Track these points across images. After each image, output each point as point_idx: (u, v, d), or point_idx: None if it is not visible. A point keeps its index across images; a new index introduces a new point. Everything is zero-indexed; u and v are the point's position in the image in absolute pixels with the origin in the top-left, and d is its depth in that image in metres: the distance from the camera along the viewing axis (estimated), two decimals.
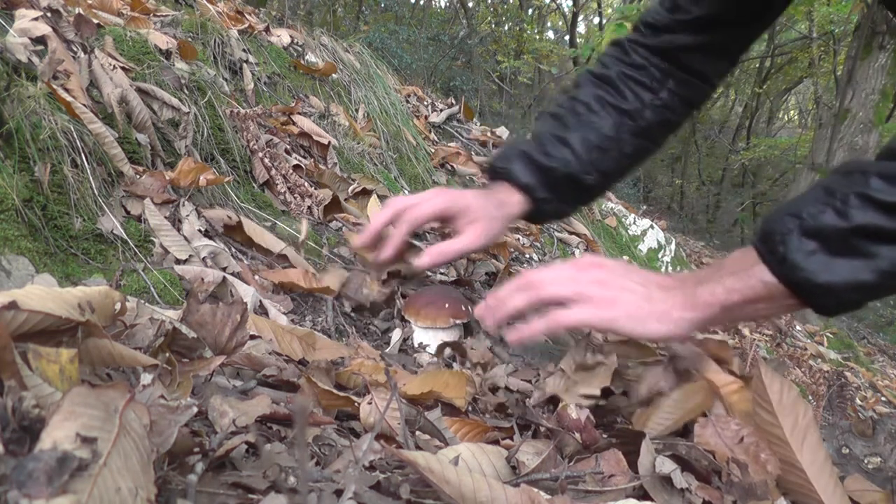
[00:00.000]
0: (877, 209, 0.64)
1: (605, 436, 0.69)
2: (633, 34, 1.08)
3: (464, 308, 0.98)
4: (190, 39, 1.44)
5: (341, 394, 0.65)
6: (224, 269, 0.96)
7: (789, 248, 0.68)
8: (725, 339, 0.94)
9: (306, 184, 1.39)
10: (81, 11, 1.15)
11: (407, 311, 0.98)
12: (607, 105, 1.04)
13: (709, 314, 0.75)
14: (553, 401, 0.81)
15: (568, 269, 0.81)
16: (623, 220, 2.82)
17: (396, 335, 0.99)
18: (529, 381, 0.89)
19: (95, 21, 1.20)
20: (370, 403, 0.66)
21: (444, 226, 1.02)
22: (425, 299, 0.99)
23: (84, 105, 0.96)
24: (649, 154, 1.10)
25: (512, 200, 1.02)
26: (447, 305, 0.97)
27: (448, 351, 0.93)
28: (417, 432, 0.66)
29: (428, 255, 0.94)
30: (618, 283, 0.78)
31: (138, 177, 1.01)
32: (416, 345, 0.98)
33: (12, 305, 0.42)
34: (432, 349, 0.95)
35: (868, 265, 0.66)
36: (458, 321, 0.97)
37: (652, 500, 0.58)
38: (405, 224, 0.95)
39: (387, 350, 0.96)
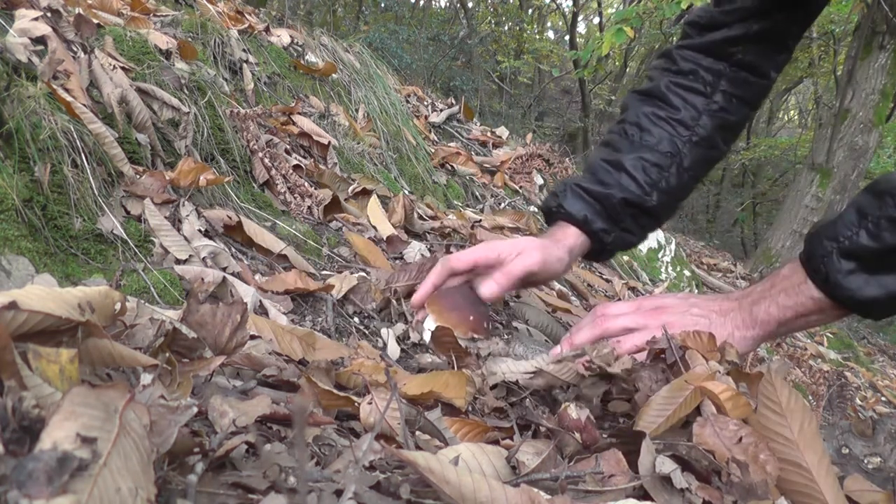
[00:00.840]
0: None
1: (605, 436, 0.69)
2: (680, 40, 1.04)
3: (486, 326, 0.94)
4: (190, 39, 1.44)
5: (341, 394, 0.65)
6: (224, 269, 0.96)
7: (830, 268, 0.74)
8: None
9: (306, 184, 1.39)
10: (81, 11, 1.15)
11: (430, 306, 0.94)
12: (659, 119, 0.98)
13: (767, 331, 0.82)
14: (553, 401, 0.81)
15: (632, 304, 0.88)
16: None
17: (390, 335, 0.97)
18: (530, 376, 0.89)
19: (95, 21, 1.20)
20: (370, 403, 0.66)
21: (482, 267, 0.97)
22: (451, 302, 0.93)
23: (84, 105, 0.96)
24: (714, 162, 1.04)
25: (568, 238, 0.97)
26: (471, 318, 0.92)
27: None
28: (417, 432, 0.66)
29: (495, 283, 0.92)
30: (679, 311, 0.84)
31: (138, 177, 1.01)
32: (421, 337, 0.96)
33: (12, 305, 0.42)
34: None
35: None
36: (476, 336, 0.93)
37: (652, 500, 0.58)
38: (442, 268, 0.93)
39: (386, 351, 0.96)
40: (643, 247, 2.79)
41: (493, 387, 0.85)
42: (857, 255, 0.73)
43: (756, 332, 0.83)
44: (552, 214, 1.00)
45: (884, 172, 0.80)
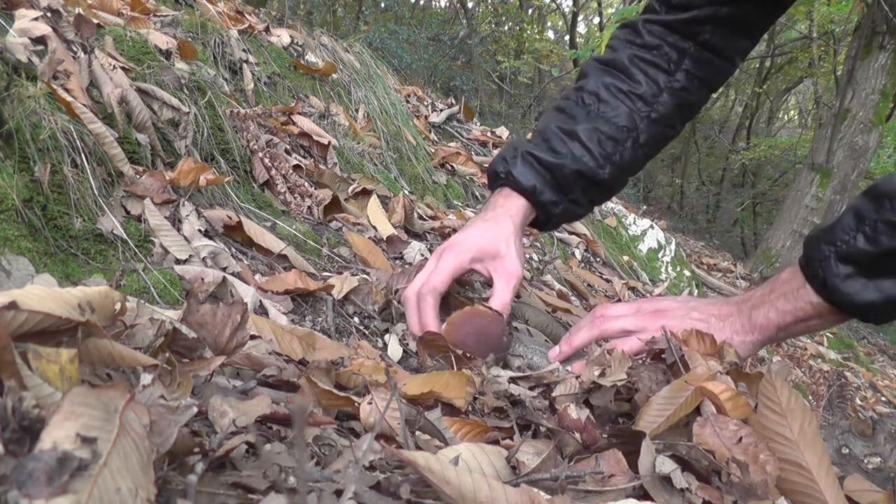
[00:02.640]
0: None
1: (605, 436, 0.69)
2: (646, 13, 0.99)
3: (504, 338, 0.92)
4: (190, 39, 1.44)
5: (341, 394, 0.65)
6: (224, 269, 0.96)
7: (828, 273, 0.74)
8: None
9: (306, 184, 1.39)
10: (81, 11, 1.15)
11: (448, 333, 0.88)
12: (619, 92, 0.95)
13: (766, 335, 0.82)
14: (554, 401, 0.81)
15: (631, 305, 0.88)
16: (623, 220, 2.82)
17: (392, 339, 0.98)
18: (532, 388, 0.89)
19: (95, 21, 1.20)
20: (370, 403, 0.66)
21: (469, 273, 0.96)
22: (468, 333, 0.88)
23: (84, 105, 0.96)
24: (667, 141, 1.02)
25: (515, 209, 0.93)
26: (498, 340, 0.89)
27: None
28: (417, 432, 0.66)
29: (507, 293, 0.93)
30: (678, 314, 0.84)
31: (138, 177, 1.01)
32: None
33: (12, 305, 0.42)
34: None
35: None
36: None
37: (652, 500, 0.58)
38: (427, 300, 0.89)
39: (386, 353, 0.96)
40: (643, 247, 2.79)
41: (498, 396, 0.85)
42: (854, 259, 0.72)
43: (755, 337, 0.82)
44: (497, 179, 0.95)
45: (884, 173, 0.80)
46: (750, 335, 0.82)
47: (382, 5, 9.42)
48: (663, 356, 0.81)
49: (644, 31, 0.97)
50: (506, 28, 9.50)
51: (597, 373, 0.81)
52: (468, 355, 0.86)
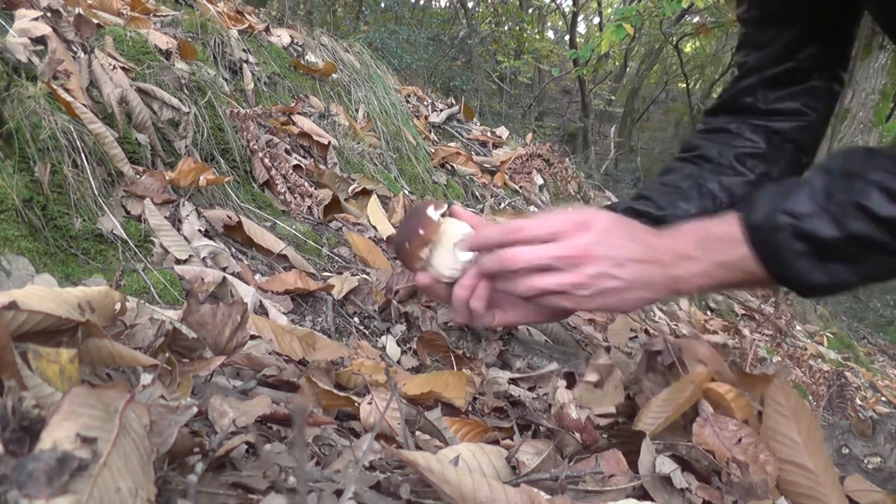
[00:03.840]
0: (873, 221, 0.64)
1: (604, 436, 0.69)
2: (699, 127, 1.09)
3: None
4: (190, 39, 1.44)
5: (341, 394, 0.65)
6: (224, 269, 0.96)
7: (780, 247, 0.68)
8: (725, 342, 0.95)
9: (306, 184, 1.39)
10: (81, 11, 1.15)
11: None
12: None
13: (682, 292, 0.76)
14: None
15: (556, 227, 0.76)
16: None
17: (389, 340, 0.97)
18: (532, 388, 0.89)
19: (95, 21, 1.20)
20: (370, 403, 0.66)
21: None
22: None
23: (84, 105, 0.96)
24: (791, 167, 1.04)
25: None
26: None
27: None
28: (417, 432, 0.66)
29: None
30: (602, 265, 0.74)
31: (138, 177, 1.01)
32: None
33: (12, 305, 0.42)
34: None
35: (855, 270, 0.68)
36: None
37: (652, 500, 0.58)
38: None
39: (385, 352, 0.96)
40: None
41: (498, 396, 0.85)
42: (813, 239, 0.67)
43: (668, 294, 0.76)
44: None
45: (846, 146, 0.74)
46: (664, 293, 0.76)
47: (382, 5, 9.42)
48: (660, 357, 0.81)
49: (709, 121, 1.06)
50: (506, 28, 9.50)
51: (594, 379, 0.81)
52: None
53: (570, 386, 0.83)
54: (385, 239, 1.39)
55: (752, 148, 1.00)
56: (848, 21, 0.98)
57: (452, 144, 2.43)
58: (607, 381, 0.80)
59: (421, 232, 0.81)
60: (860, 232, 0.65)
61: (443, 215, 0.83)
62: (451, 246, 0.82)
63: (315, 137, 1.57)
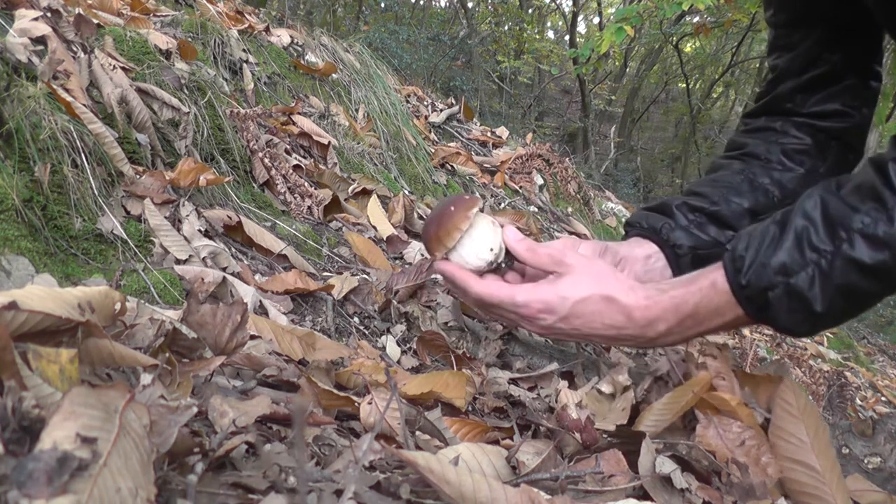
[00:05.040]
0: (859, 272, 0.65)
1: (604, 436, 0.69)
2: (740, 130, 1.10)
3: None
4: (190, 39, 1.44)
5: (341, 394, 0.65)
6: (224, 269, 0.96)
7: (773, 305, 0.69)
8: (725, 342, 0.95)
9: (306, 184, 1.39)
10: (81, 11, 1.15)
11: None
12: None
13: (651, 348, 0.79)
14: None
15: (520, 304, 0.77)
16: (623, 219, 2.82)
17: (389, 340, 0.97)
18: (532, 388, 0.89)
19: (95, 21, 1.20)
20: (370, 403, 0.66)
21: None
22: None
23: (84, 105, 0.96)
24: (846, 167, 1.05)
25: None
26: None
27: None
28: (417, 432, 0.66)
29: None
30: (552, 332, 0.77)
31: (138, 177, 1.01)
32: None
33: (12, 305, 0.42)
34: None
35: (841, 318, 0.71)
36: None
37: (652, 500, 0.58)
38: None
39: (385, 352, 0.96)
40: None
41: (498, 396, 0.85)
42: (803, 299, 0.68)
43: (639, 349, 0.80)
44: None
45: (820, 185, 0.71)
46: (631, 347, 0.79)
47: (382, 5, 9.42)
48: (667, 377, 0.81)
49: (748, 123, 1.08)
50: (506, 28, 9.50)
51: (607, 390, 0.81)
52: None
53: (570, 386, 0.83)
54: (385, 239, 1.39)
55: (798, 144, 1.02)
56: (872, 16, 0.98)
57: (452, 144, 2.43)
58: (619, 398, 0.80)
59: (453, 220, 0.80)
60: (848, 282, 0.66)
61: (480, 210, 0.84)
62: (480, 238, 0.82)
63: (315, 137, 1.57)
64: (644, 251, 0.91)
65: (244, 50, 1.63)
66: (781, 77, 1.02)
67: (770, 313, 0.70)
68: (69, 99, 0.93)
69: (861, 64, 1.00)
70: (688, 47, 11.86)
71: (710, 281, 0.73)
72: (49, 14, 1.07)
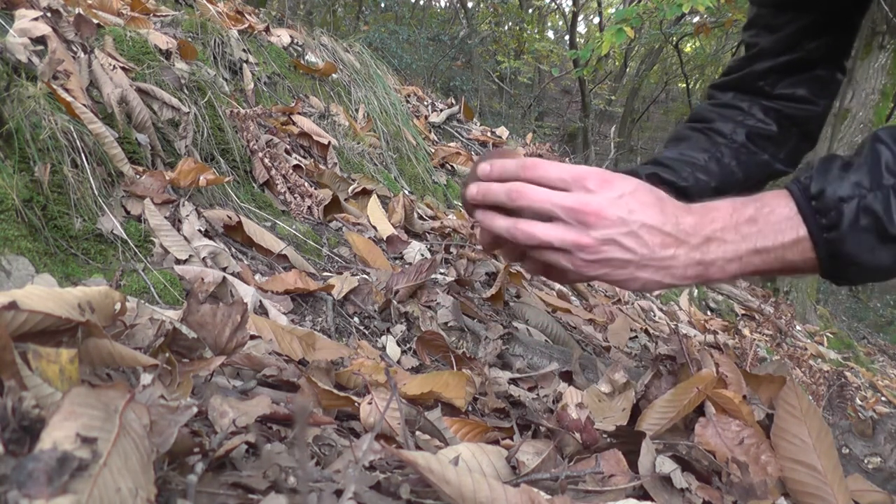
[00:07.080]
0: None
1: (604, 436, 0.69)
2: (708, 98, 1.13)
3: None
4: (190, 39, 1.44)
5: (341, 394, 0.65)
6: (224, 269, 0.96)
7: (844, 221, 0.62)
8: (725, 342, 0.95)
9: (306, 184, 1.39)
10: (81, 11, 1.15)
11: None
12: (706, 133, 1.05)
13: (708, 279, 0.69)
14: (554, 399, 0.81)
15: (572, 177, 0.67)
16: None
17: (389, 340, 0.97)
18: (532, 388, 0.89)
19: (95, 21, 1.20)
20: (370, 403, 0.66)
21: None
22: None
23: (84, 105, 0.96)
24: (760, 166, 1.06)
25: None
26: None
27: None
28: (417, 432, 0.66)
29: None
30: (614, 233, 0.66)
31: (138, 177, 1.01)
32: None
33: (12, 305, 0.42)
34: None
35: None
36: None
37: (652, 500, 0.58)
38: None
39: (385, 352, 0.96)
40: None
41: (498, 395, 0.85)
42: (877, 214, 0.61)
43: (688, 282, 0.68)
44: None
45: None
46: (690, 279, 0.68)
47: (382, 5, 9.41)
48: (672, 358, 0.81)
49: (716, 94, 1.10)
50: (506, 28, 9.50)
51: (606, 390, 0.81)
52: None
53: (570, 386, 0.83)
54: (385, 239, 1.39)
55: (763, 129, 1.03)
56: (860, 9, 0.99)
57: (452, 144, 2.43)
58: (618, 397, 0.80)
59: (508, 156, 0.72)
60: None
61: None
62: None
63: (315, 137, 1.57)
64: None
65: (244, 50, 1.63)
66: (759, 56, 1.03)
67: (839, 233, 0.62)
68: (69, 99, 0.93)
69: (833, 56, 1.02)
70: (688, 47, 11.85)
71: (774, 193, 0.67)
72: (49, 14, 1.07)
